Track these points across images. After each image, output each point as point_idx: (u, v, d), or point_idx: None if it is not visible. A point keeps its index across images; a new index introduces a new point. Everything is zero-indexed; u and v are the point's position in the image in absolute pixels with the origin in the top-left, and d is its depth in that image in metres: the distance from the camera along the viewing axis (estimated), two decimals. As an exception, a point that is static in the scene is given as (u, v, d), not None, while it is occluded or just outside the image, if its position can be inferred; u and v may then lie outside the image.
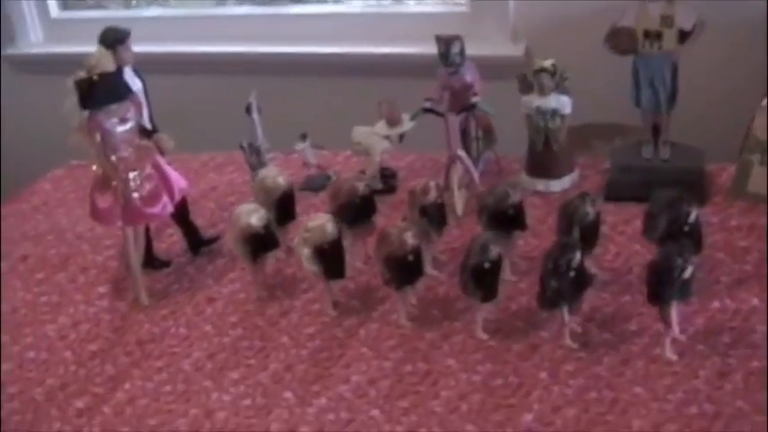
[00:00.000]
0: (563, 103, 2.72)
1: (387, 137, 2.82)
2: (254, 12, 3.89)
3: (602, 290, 2.43)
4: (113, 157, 2.43)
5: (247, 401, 2.27)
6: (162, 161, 2.54)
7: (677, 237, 2.32)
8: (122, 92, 2.45)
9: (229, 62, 3.73)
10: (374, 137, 2.82)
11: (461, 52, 2.69)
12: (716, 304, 2.36)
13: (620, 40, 2.65)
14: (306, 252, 2.42)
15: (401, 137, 2.82)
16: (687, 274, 2.18)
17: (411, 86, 2.76)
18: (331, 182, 2.92)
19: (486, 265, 2.29)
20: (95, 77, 2.41)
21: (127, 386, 2.34)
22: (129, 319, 2.54)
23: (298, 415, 2.22)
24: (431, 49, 2.88)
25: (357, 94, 3.19)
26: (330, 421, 2.19)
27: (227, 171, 3.10)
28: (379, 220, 2.64)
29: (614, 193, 2.72)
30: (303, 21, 3.76)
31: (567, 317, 2.28)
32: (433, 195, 2.50)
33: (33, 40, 4.02)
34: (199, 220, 2.81)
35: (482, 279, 2.30)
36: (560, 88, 2.71)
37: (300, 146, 2.91)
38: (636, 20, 2.62)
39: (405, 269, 2.37)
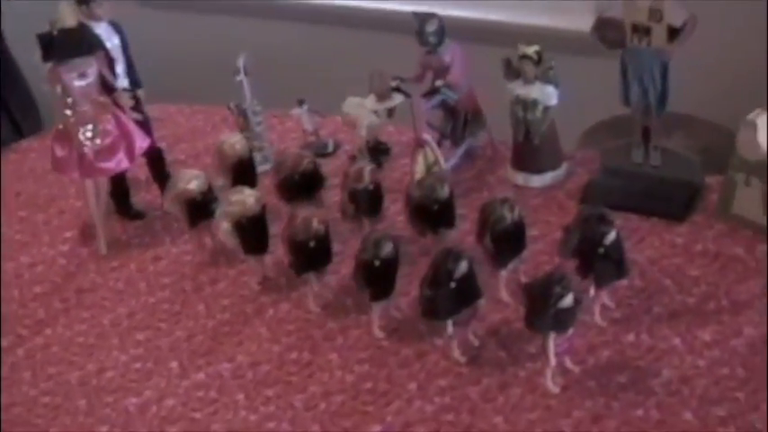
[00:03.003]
0: (547, 93, 2.51)
1: (375, 111, 2.72)
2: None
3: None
4: (68, 111, 2.51)
5: (138, 365, 2.31)
6: (125, 118, 2.59)
7: (591, 258, 2.13)
8: (84, 47, 2.50)
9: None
10: (362, 109, 2.72)
11: (438, 32, 2.54)
12: (630, 338, 2.15)
13: (606, 33, 2.42)
14: (225, 225, 2.41)
15: (390, 112, 2.72)
16: (565, 303, 1.99)
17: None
18: (328, 150, 2.89)
19: (377, 262, 2.19)
20: (56, 32, 2.48)
21: (48, 332, 2.45)
22: (81, 266, 2.63)
23: (172, 386, 2.24)
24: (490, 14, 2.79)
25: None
26: (197, 398, 2.20)
27: (241, 127, 3.10)
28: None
29: (591, 197, 2.50)
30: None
31: (450, 329, 2.15)
32: (366, 181, 2.41)
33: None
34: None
35: (372, 276, 2.21)
36: (545, 78, 2.51)
37: (297, 111, 2.86)
38: (623, 11, 2.38)
39: (306, 255, 2.30)
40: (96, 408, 2.21)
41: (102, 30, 2.60)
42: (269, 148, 2.84)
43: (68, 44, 2.49)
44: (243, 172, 2.61)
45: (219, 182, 2.61)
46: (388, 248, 2.20)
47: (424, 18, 2.54)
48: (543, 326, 2.02)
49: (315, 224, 2.29)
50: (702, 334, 2.12)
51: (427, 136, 2.56)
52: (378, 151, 2.80)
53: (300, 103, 2.85)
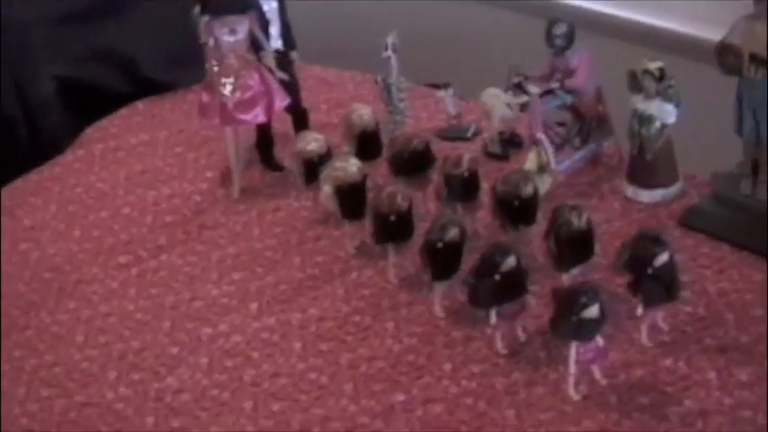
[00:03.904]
0: (665, 111, 2.50)
1: (508, 104, 2.78)
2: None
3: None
4: (214, 62, 2.74)
5: (224, 300, 2.51)
6: (270, 77, 2.78)
7: (640, 277, 2.13)
8: (237, 6, 2.72)
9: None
10: (497, 101, 2.79)
11: (566, 35, 2.57)
12: (667, 362, 2.14)
13: (726, 58, 2.37)
14: (327, 188, 2.56)
15: (523, 106, 2.76)
16: (589, 314, 2.01)
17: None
18: (467, 135, 2.97)
19: (440, 244, 2.28)
20: (214, -11, 2.72)
21: (163, 257, 2.70)
22: (212, 205, 2.86)
23: (244, 325, 2.42)
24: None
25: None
26: (261, 339, 2.38)
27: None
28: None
29: (692, 221, 2.48)
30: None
31: (493, 319, 2.21)
32: (463, 169, 2.49)
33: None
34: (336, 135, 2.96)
35: (434, 257, 2.30)
36: (666, 95, 2.49)
37: (441, 93, 2.96)
38: (743, 38, 2.32)
39: (386, 227, 2.42)
40: (176, 331, 2.44)
41: (263, -8, 2.82)
42: (408, 125, 2.96)
43: (223, 2, 2.72)
44: (367, 142, 2.75)
45: (345, 149, 2.77)
46: (453, 232, 2.28)
47: (553, 20, 2.59)
48: (565, 333, 2.06)
49: (399, 200, 2.41)
50: (740, 373, 2.08)
51: (541, 135, 2.61)
52: (510, 143, 2.87)
53: (446, 86, 2.96)
